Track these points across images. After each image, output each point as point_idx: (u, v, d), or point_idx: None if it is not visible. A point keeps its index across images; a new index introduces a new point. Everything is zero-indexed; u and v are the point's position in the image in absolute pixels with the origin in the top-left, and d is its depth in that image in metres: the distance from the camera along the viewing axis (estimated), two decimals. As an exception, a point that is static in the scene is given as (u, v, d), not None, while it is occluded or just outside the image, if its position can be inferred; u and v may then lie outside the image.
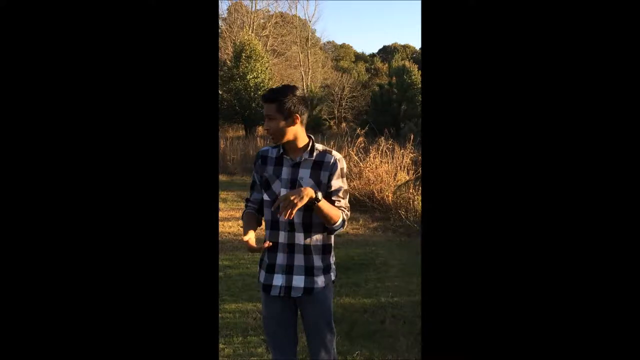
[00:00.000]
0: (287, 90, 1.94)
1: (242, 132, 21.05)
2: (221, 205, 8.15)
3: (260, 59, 21.33)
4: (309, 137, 2.02)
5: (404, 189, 6.99)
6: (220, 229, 6.44)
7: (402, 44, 41.20)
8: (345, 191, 2.02)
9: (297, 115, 1.94)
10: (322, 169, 1.97)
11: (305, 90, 23.99)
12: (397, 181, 7.61)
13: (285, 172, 1.99)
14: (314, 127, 20.13)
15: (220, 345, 3.16)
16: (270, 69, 22.67)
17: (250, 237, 1.96)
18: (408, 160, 8.41)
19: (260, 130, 20.86)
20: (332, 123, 25.82)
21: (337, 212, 1.95)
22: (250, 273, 4.66)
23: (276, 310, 2.04)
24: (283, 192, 1.97)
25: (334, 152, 2.01)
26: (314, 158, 1.99)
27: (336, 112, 26.53)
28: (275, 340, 2.09)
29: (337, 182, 1.99)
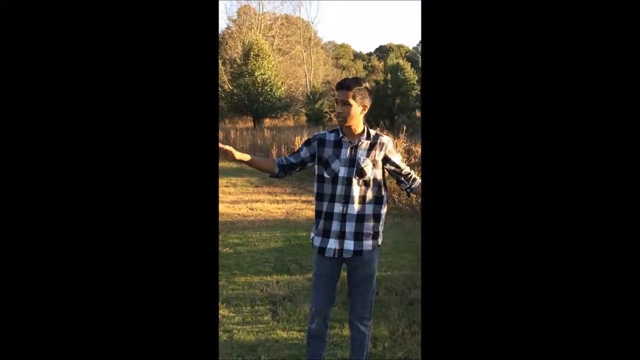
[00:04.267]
0: (360, 81, 2.08)
1: (250, 124, 20.94)
2: (231, 189, 8.15)
3: (267, 57, 21.16)
4: (364, 123, 2.14)
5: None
6: (231, 211, 6.45)
7: (397, 43, 40.85)
8: (402, 160, 2.22)
9: (366, 105, 2.08)
10: (376, 149, 2.11)
11: (308, 86, 23.80)
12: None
13: (344, 152, 2.09)
14: (316, 120, 20.00)
15: (230, 314, 3.19)
16: (276, 67, 22.50)
17: (235, 152, 2.09)
18: (401, 149, 8.40)
19: (267, 122, 20.79)
20: (332, 115, 25.66)
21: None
22: (258, 250, 4.68)
23: (327, 270, 2.17)
24: (342, 170, 2.08)
25: (384, 135, 2.18)
26: (370, 141, 2.11)
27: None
28: (319, 294, 2.20)
29: (396, 157, 2.18)
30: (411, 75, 19.78)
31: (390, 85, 19.80)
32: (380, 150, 2.12)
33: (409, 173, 2.22)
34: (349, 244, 2.10)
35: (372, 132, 2.14)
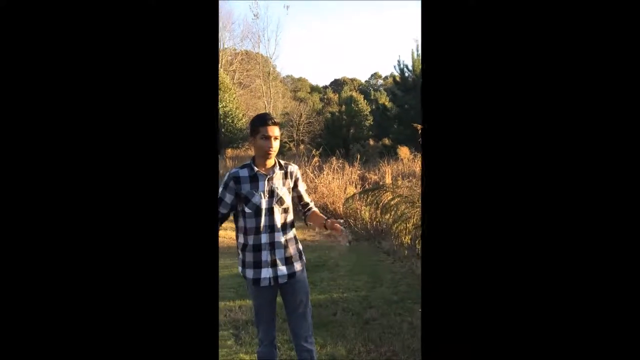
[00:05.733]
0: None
1: (213, 154, 20.77)
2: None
3: (228, 90, 21.23)
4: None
5: (351, 201, 7.11)
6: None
7: (350, 77, 41.94)
8: (307, 189, 2.34)
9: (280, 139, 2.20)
10: (288, 178, 2.22)
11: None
12: (347, 194, 7.73)
13: (262, 185, 2.13)
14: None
15: (195, 340, 3.15)
16: (237, 99, 22.58)
17: None
18: (355, 176, 8.59)
19: (229, 152, 20.70)
20: (291, 145, 25.81)
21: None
22: (221, 277, 4.64)
23: (266, 299, 2.18)
24: (264, 202, 2.11)
25: (292, 164, 2.27)
26: (282, 170, 2.20)
27: (295, 135, 26.56)
28: (263, 321, 2.23)
29: (302, 186, 2.29)
30: (364, 106, 20.29)
31: (344, 116, 20.22)
32: (291, 178, 2.22)
33: (308, 203, 2.32)
34: (282, 270, 2.14)
35: (282, 162, 2.22)
